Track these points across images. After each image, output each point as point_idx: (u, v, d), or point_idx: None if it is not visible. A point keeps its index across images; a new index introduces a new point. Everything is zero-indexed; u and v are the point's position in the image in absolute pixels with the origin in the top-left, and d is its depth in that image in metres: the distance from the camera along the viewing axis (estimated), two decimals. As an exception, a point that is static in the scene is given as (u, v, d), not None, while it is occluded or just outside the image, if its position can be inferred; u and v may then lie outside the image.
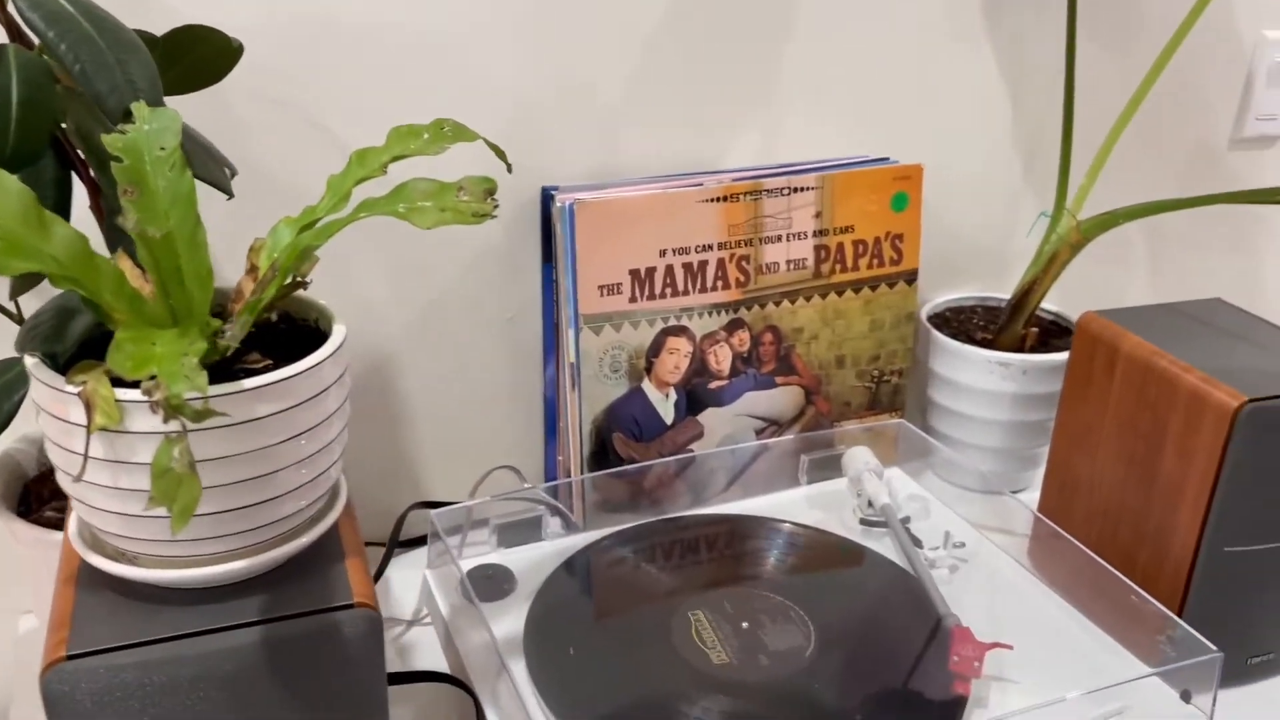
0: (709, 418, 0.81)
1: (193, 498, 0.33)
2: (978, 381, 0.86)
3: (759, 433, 0.84)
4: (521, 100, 0.76)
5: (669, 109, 0.79)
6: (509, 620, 0.66)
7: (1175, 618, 0.64)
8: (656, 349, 0.78)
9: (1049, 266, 0.85)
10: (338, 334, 0.46)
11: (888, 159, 0.83)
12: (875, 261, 0.82)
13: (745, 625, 0.65)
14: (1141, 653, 0.65)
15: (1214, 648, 0.61)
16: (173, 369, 0.33)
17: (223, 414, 0.38)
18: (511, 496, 0.76)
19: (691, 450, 0.81)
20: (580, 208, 0.72)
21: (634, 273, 0.75)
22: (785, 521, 0.76)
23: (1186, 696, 0.62)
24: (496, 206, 0.43)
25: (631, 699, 0.60)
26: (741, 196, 0.76)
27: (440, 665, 0.69)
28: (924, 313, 0.92)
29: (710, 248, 0.77)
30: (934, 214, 0.92)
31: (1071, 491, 0.77)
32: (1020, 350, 0.87)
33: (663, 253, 0.75)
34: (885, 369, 0.86)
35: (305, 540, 0.45)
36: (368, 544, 0.79)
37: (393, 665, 0.70)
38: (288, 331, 0.49)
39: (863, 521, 0.76)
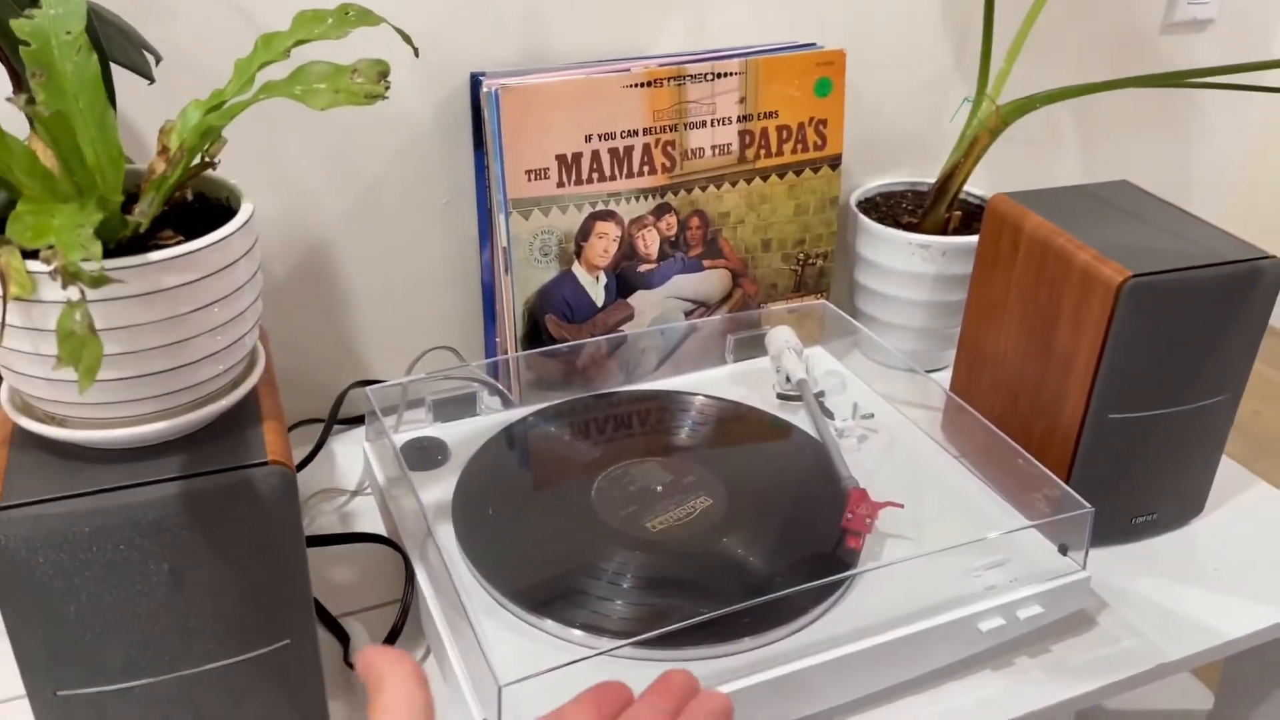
0: (639, 300, 0.85)
1: (95, 358, 0.37)
2: (900, 264, 0.89)
3: (688, 314, 0.87)
4: (447, -14, 0.77)
5: (596, -5, 0.81)
6: (439, 488, 0.71)
7: (1055, 478, 0.68)
8: (585, 233, 0.80)
9: (970, 151, 0.88)
10: (245, 210, 0.49)
11: (814, 44, 0.85)
12: (799, 147, 0.85)
13: (659, 489, 0.70)
14: (1026, 511, 0.70)
15: (1086, 504, 0.66)
16: (69, 238, 0.36)
17: (119, 280, 0.41)
18: (448, 375, 0.79)
19: (622, 331, 0.85)
20: (505, 93, 0.74)
21: (560, 158, 0.77)
22: (705, 396, 0.80)
23: (1063, 550, 0.67)
24: (388, 88, 0.46)
25: (550, 556, 0.65)
26: (666, 82, 0.78)
27: (380, 531, 0.73)
28: (854, 198, 0.95)
29: (636, 133, 0.79)
30: (863, 99, 0.94)
31: (979, 366, 0.81)
32: (943, 233, 0.90)
33: (589, 138, 0.77)
34: (810, 252, 0.89)
35: (223, 404, 0.49)
36: (312, 421, 0.84)
37: (335, 529, 0.75)
38: (203, 210, 0.51)
39: (779, 396, 0.80)
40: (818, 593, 0.62)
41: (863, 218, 0.91)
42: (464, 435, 0.76)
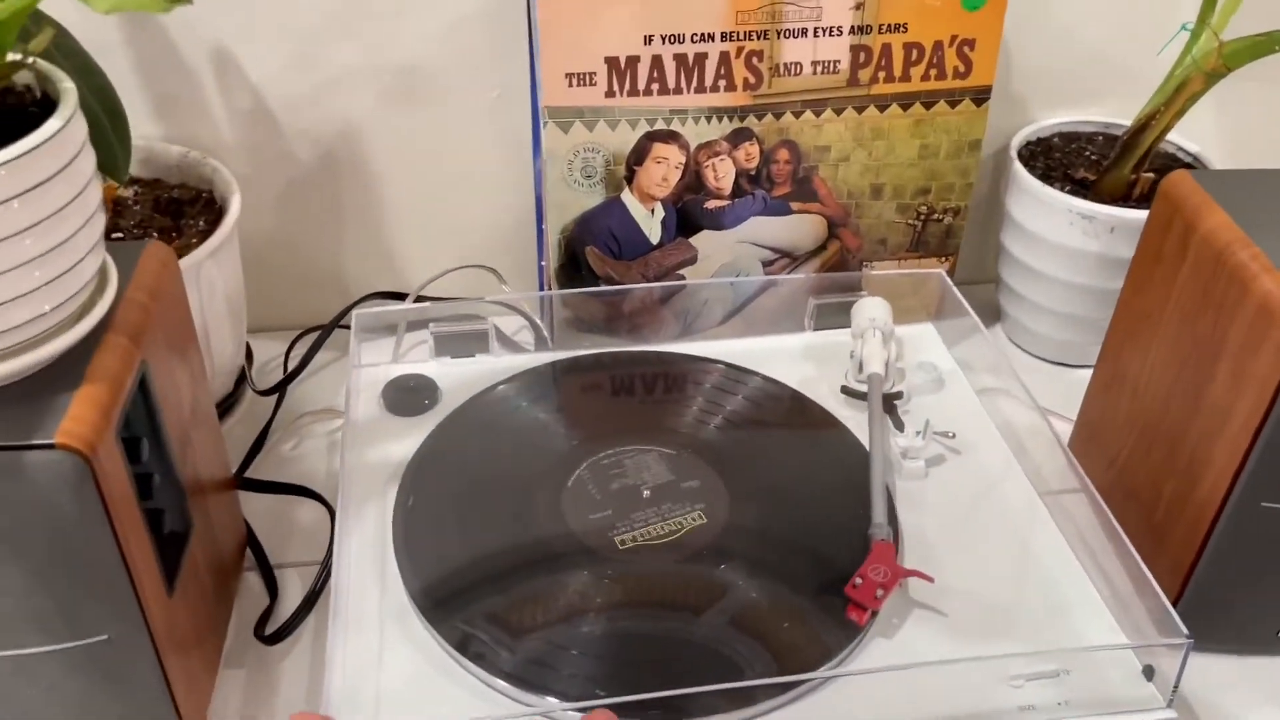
0: (705, 241, 0.70)
1: None
2: (1054, 233, 0.69)
3: (767, 265, 0.72)
4: None
5: None
6: (408, 442, 0.61)
7: (1158, 590, 0.51)
8: (640, 156, 0.66)
9: (1175, 97, 0.66)
10: (60, 116, 0.39)
11: (980, -63, 0.65)
12: (934, 72, 0.66)
13: (647, 493, 0.57)
14: (1119, 613, 0.53)
15: (1185, 631, 0.48)
16: None
17: None
18: (458, 305, 0.69)
19: (682, 276, 0.71)
20: (543, -24, 0.60)
21: (612, 61, 0.63)
22: (751, 373, 0.66)
23: (1149, 673, 0.50)
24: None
25: (481, 559, 0.54)
26: (755, -25, 0.61)
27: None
28: (1022, 136, 0.75)
29: (711, 38, 0.63)
30: (1053, 7, 0.72)
31: (1117, 389, 0.62)
32: (1124, 200, 0.69)
33: (649, 39, 0.62)
34: (935, 205, 0.71)
35: (26, 361, 0.40)
36: (319, 328, 0.74)
37: (316, 457, 0.67)
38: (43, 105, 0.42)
39: (844, 390, 0.65)
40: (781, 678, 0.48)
41: (1017, 166, 0.71)
42: (467, 379, 0.66)
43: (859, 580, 0.51)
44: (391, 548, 0.55)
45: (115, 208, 0.66)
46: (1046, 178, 0.71)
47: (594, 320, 0.70)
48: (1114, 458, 0.62)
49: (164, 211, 0.66)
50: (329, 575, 0.57)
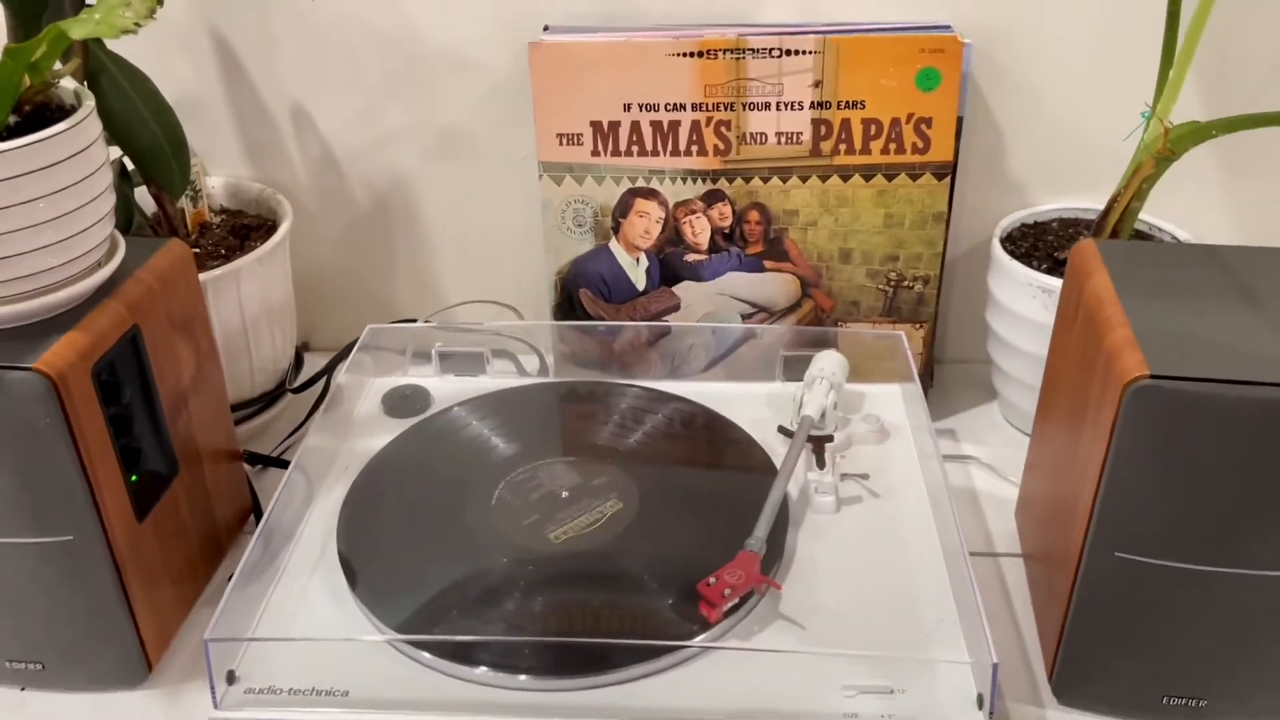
0: (687, 291, 0.77)
1: None
2: (1027, 309, 0.72)
3: (746, 318, 0.78)
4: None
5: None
6: (377, 441, 0.71)
7: (980, 610, 0.52)
8: (624, 209, 0.74)
9: (1131, 180, 0.68)
10: (76, 116, 0.51)
11: (948, 27, 0.70)
12: (893, 146, 0.71)
13: (565, 495, 0.64)
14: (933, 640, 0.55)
15: (993, 656, 0.50)
16: None
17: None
18: (467, 328, 0.78)
19: (667, 322, 0.78)
20: (535, 50, 0.70)
21: (596, 124, 0.72)
22: (673, 397, 0.72)
23: (980, 701, 0.51)
24: (140, 25, 0.45)
25: (418, 540, 0.62)
26: (720, 54, 0.69)
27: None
28: (1015, 218, 0.78)
29: (683, 107, 0.71)
30: (1046, 101, 0.76)
31: (1040, 448, 0.64)
32: (1092, 279, 0.71)
33: (628, 106, 0.71)
34: (905, 273, 0.75)
35: (32, 306, 0.53)
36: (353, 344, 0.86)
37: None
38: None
39: (780, 429, 0.69)
40: (633, 652, 0.53)
41: (995, 244, 0.74)
42: (461, 394, 0.75)
43: (712, 580, 0.55)
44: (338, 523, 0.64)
45: (201, 229, 0.80)
46: (1028, 257, 0.74)
47: (588, 356, 0.78)
48: (1037, 524, 0.64)
49: (236, 234, 0.80)
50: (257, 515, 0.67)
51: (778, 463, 0.66)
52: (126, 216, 0.69)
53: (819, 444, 0.67)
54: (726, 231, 0.75)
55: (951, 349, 0.87)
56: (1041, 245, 0.76)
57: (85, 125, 0.52)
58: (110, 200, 0.55)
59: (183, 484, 0.63)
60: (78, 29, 0.46)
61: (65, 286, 0.54)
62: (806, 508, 0.64)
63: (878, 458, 0.68)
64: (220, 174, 0.84)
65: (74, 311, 0.55)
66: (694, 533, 0.62)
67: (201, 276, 0.70)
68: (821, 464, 0.66)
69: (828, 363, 0.71)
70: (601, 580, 0.59)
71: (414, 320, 0.87)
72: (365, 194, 0.85)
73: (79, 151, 0.52)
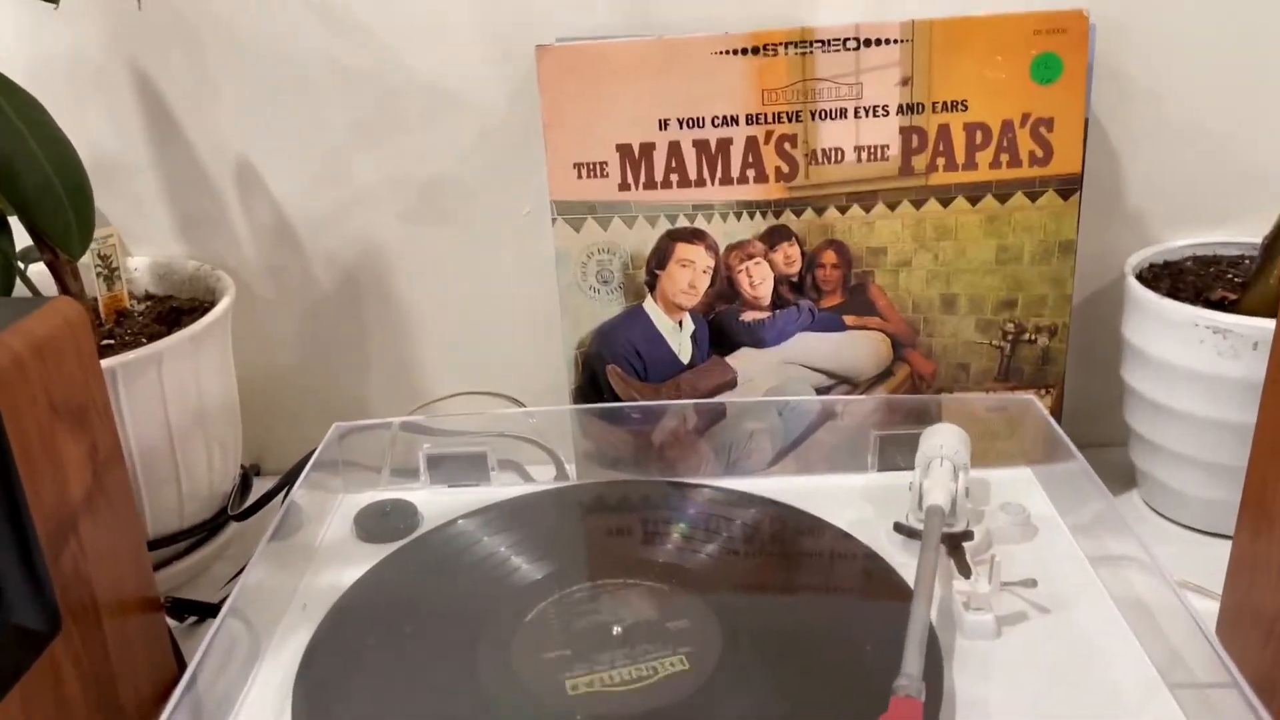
0: (744, 361, 0.60)
1: None
2: (1183, 356, 0.56)
3: (823, 391, 0.61)
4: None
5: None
6: (353, 573, 0.52)
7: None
8: (662, 258, 0.58)
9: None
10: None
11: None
12: (1005, 158, 0.56)
13: (618, 631, 0.45)
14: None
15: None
16: None
17: None
18: (455, 429, 0.61)
19: (721, 400, 0.61)
20: (544, 57, 0.55)
21: (624, 149, 0.56)
22: (771, 502, 0.54)
23: None
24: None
25: (409, 708, 0.43)
26: (781, 48, 0.55)
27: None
28: (1141, 257, 0.63)
29: (735, 121, 0.56)
30: (1170, 109, 0.62)
31: (1268, 535, 0.46)
32: (1270, 314, 0.56)
33: (664, 124, 0.56)
34: (1025, 323, 0.59)
35: None
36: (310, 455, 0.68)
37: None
38: None
39: (896, 527, 0.51)
40: None
41: (1131, 281, 0.59)
42: (461, 510, 0.57)
43: (865, 746, 0.37)
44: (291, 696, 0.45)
45: (118, 318, 0.63)
46: (1172, 297, 0.58)
47: (618, 451, 0.60)
48: (1271, 627, 0.46)
49: (163, 321, 0.62)
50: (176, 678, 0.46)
51: (904, 575, 0.48)
52: (4, 279, 0.51)
53: (955, 545, 0.50)
54: (794, 280, 0.59)
55: (1072, 421, 0.70)
56: (1183, 287, 0.61)
57: None
58: None
59: (68, 646, 0.44)
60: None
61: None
62: (954, 631, 0.46)
63: (1029, 561, 0.51)
64: (145, 253, 0.68)
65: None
66: (804, 682, 0.43)
67: (107, 363, 0.52)
68: (966, 571, 0.48)
69: (945, 439, 0.54)
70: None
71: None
72: (328, 271, 0.68)
73: None
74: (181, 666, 0.53)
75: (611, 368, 0.60)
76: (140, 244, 0.68)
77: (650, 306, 0.59)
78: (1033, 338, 0.59)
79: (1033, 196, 0.56)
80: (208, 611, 0.56)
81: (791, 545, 0.53)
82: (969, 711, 0.42)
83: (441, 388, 0.70)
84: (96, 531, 0.46)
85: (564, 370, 0.65)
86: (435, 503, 0.58)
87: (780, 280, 0.59)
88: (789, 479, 0.58)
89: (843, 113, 0.56)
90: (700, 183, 0.57)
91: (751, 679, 0.43)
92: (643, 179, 0.57)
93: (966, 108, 0.55)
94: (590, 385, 0.61)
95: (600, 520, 0.55)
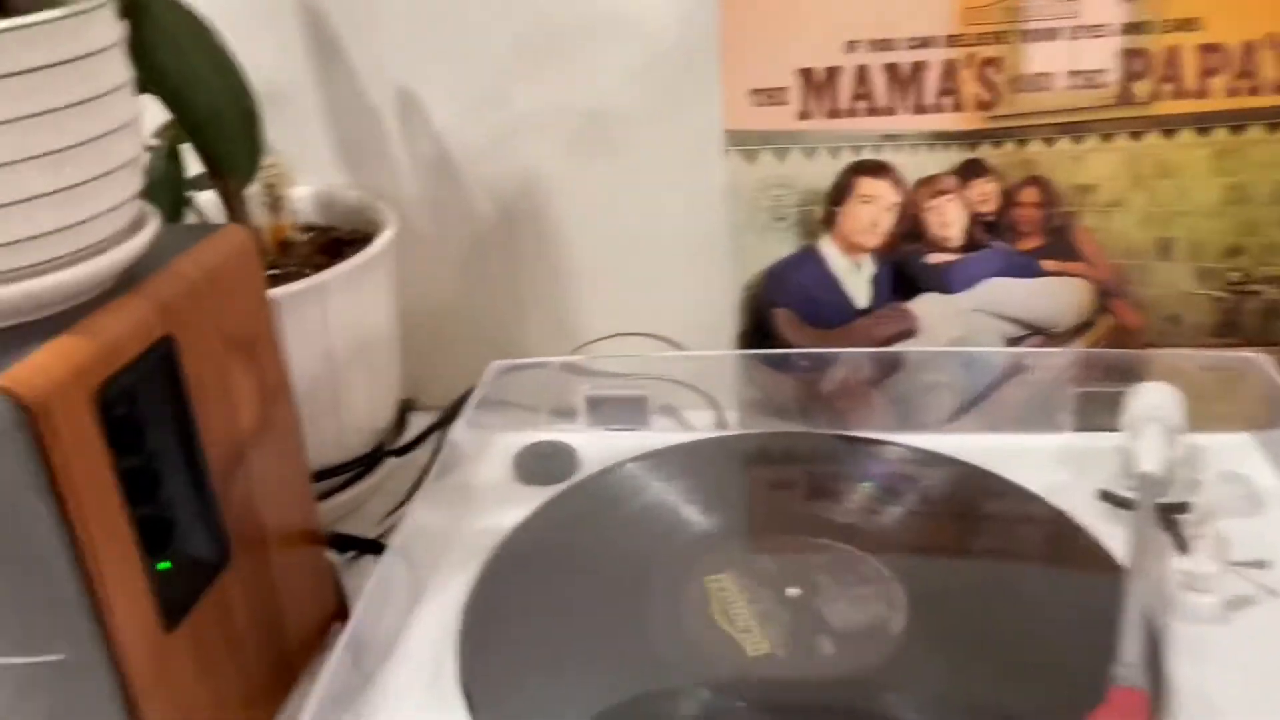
0: (928, 308, 0.56)
1: None
2: None
3: (1014, 342, 0.56)
4: None
5: None
6: (512, 515, 0.50)
7: None
8: (843, 193, 0.54)
9: None
10: (55, 11, 0.33)
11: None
12: (1244, 83, 0.49)
13: (794, 592, 0.42)
14: None
15: None
16: None
17: None
18: (615, 371, 0.58)
19: (899, 349, 0.57)
20: (723, -28, 0.51)
21: (805, 74, 0.52)
22: (971, 467, 0.50)
23: None
24: None
25: (576, 659, 0.41)
26: (988, -39, 0.49)
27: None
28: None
29: (932, 42, 0.51)
30: None
31: None
32: None
33: (852, 46, 0.51)
34: (1254, 272, 0.53)
35: (11, 294, 0.34)
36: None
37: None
38: None
39: (1103, 495, 0.47)
40: None
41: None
42: (620, 453, 0.55)
43: (1084, 738, 0.33)
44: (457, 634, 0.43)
45: (282, 248, 0.62)
46: None
47: (783, 400, 0.57)
48: None
49: (327, 251, 0.62)
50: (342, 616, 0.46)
51: (1111, 548, 0.44)
52: (174, 207, 0.51)
53: (1169, 517, 0.45)
54: (989, 220, 0.54)
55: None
56: None
57: (95, 19, 0.35)
58: (134, 145, 0.37)
59: (237, 578, 0.43)
60: None
61: (61, 266, 0.35)
62: (1171, 614, 0.42)
63: (1253, 538, 0.45)
64: (309, 184, 0.67)
65: (72, 312, 0.36)
66: (1001, 661, 0.40)
67: (274, 293, 0.52)
68: (1184, 546, 0.43)
69: (1158, 398, 0.48)
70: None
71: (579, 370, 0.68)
72: (487, 204, 0.66)
73: (86, 55, 0.34)
74: (342, 602, 0.53)
75: (781, 312, 0.57)
76: (302, 173, 0.67)
77: (826, 246, 0.55)
78: (1258, 289, 0.53)
79: (1273, 126, 0.50)
80: (368, 547, 0.56)
81: (980, 509, 0.49)
82: (1192, 705, 0.37)
83: (598, 328, 0.68)
84: (265, 463, 0.45)
85: (728, 314, 0.62)
86: (594, 445, 0.56)
87: (974, 220, 0.54)
88: (971, 437, 0.53)
89: (1054, 33, 0.50)
90: (889, 111, 0.52)
91: (940, 654, 0.40)
92: (825, 106, 0.52)
93: (1202, 26, 0.49)
94: (757, 330, 0.57)
95: (769, 472, 0.52)
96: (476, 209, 0.66)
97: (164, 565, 0.39)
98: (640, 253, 0.65)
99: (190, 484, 0.40)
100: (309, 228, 0.66)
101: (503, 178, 0.65)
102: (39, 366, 0.33)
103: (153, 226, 0.39)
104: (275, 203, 0.62)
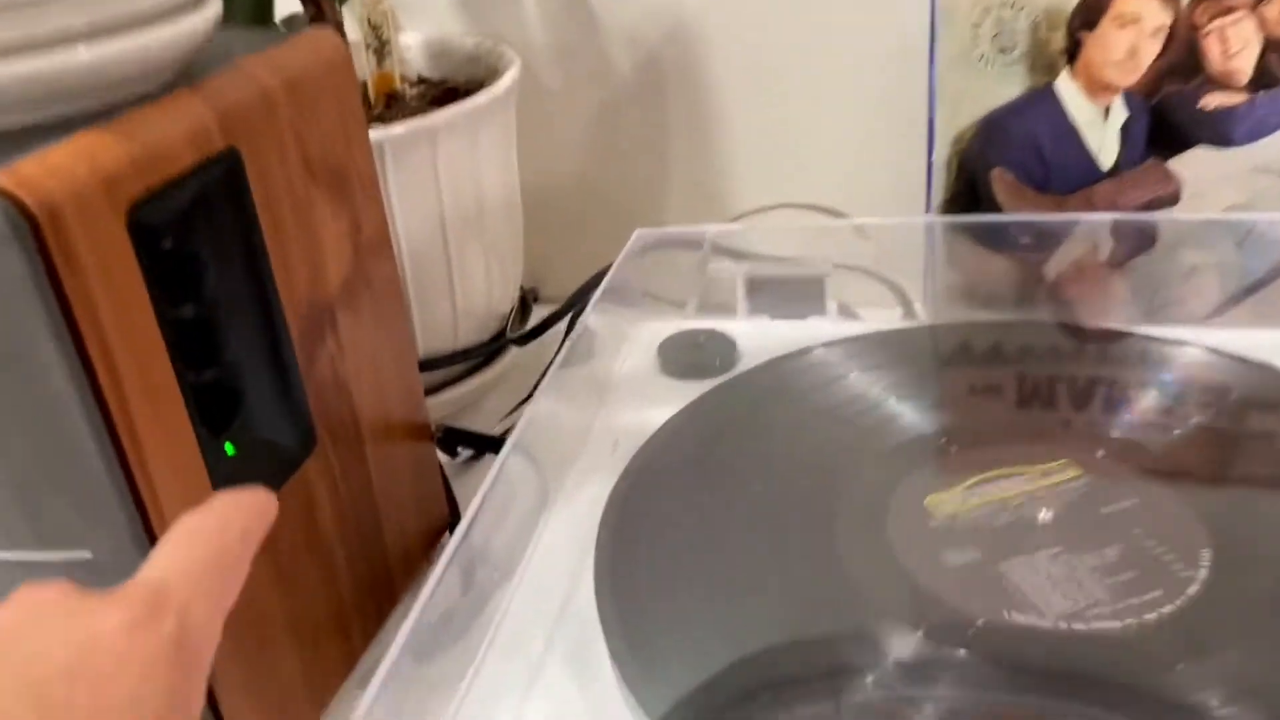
0: (1198, 166, 0.43)
1: None
2: None
3: (1307, 214, 0.43)
4: None
5: None
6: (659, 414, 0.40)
7: None
8: (1091, 15, 0.42)
9: None
10: None
11: None
12: None
13: (1045, 519, 0.32)
14: None
15: None
16: None
17: None
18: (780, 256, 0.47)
19: (1154, 216, 0.44)
20: None
21: None
22: (1258, 365, 0.38)
23: None
24: None
25: (737, 583, 0.32)
26: None
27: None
28: None
29: None
30: None
31: None
32: None
33: None
34: None
35: (25, 71, 0.26)
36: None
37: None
38: None
39: None
40: None
41: None
42: (788, 345, 0.44)
43: None
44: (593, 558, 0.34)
45: (387, 101, 0.53)
46: None
47: (992, 285, 0.46)
48: None
49: (439, 104, 0.52)
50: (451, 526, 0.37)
51: None
52: (258, 7, 0.42)
53: None
54: (1292, 47, 0.41)
55: None
56: None
57: None
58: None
59: (323, 471, 0.35)
60: None
61: (90, 38, 0.26)
62: None
63: None
64: (419, 30, 0.58)
65: (110, 111, 0.28)
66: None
67: (374, 135, 0.43)
68: None
69: None
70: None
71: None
72: (625, 53, 0.56)
73: None
74: (454, 508, 0.44)
75: (999, 171, 0.45)
76: (413, 20, 0.58)
77: (1065, 86, 0.43)
78: None
79: None
80: (486, 445, 0.47)
81: (1266, 421, 0.37)
82: None
83: (756, 200, 0.57)
84: (359, 332, 0.36)
85: (920, 180, 0.50)
86: (753, 335, 0.46)
87: (1269, 48, 0.41)
88: (1243, 332, 0.41)
89: None
90: (1165, -101, 0.40)
91: (1242, 615, 0.29)
92: (1078, -105, 0.40)
93: None
94: (967, 194, 0.46)
95: (985, 373, 0.41)
96: (612, 59, 0.56)
97: (230, 448, 0.30)
98: (808, 108, 0.54)
99: (263, 346, 0.32)
100: (419, 80, 0.56)
101: (644, 19, 0.55)
102: (53, 166, 0.25)
103: (215, 6, 0.30)
104: (381, 48, 0.53)
